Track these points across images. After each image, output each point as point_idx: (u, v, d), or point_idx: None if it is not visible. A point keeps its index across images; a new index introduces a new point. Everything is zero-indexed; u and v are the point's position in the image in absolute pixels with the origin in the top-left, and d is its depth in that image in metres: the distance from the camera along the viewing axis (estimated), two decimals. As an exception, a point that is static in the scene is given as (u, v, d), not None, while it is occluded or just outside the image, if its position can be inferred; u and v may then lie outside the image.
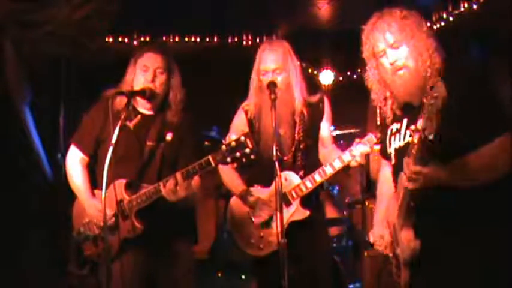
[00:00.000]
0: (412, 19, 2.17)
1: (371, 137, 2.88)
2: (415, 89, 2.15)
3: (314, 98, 3.20)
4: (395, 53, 2.16)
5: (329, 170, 2.99)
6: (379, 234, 2.36)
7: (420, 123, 1.94)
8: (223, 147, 2.57)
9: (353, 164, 2.96)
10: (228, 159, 2.57)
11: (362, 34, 2.26)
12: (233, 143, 2.56)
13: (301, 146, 3.12)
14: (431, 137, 1.90)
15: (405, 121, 2.24)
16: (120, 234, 2.78)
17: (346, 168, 3.00)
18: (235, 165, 2.73)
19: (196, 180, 2.81)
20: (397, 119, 2.30)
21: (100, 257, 2.88)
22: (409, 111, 2.21)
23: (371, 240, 2.42)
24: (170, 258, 2.95)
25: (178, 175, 2.69)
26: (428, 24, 2.31)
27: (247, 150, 2.53)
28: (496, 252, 2.06)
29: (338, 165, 2.97)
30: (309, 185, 3.03)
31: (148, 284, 2.91)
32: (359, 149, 2.91)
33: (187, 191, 2.71)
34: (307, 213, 3.04)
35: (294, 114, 3.12)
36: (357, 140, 2.95)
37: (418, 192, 2.07)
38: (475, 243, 2.07)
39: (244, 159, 2.55)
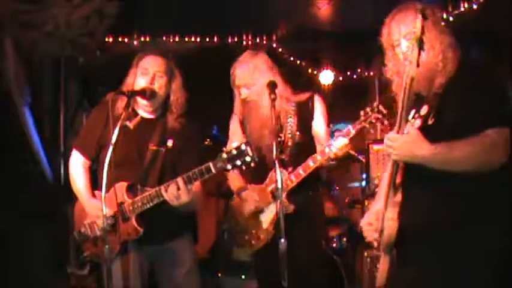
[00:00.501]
0: (428, 13, 2.20)
1: (349, 129, 2.95)
2: (423, 80, 2.19)
3: (302, 97, 3.27)
4: (408, 43, 2.21)
5: (311, 164, 3.08)
6: (367, 222, 2.39)
7: (424, 110, 2.04)
8: (224, 154, 2.59)
9: (331, 155, 3.02)
10: (229, 167, 2.60)
11: (383, 27, 2.34)
12: (234, 151, 2.58)
13: (289, 144, 3.19)
14: (430, 122, 1.98)
15: (412, 112, 2.27)
16: (121, 236, 2.79)
17: (331, 160, 3.09)
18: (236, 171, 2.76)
19: (197, 185, 2.82)
20: None
21: (100, 257, 2.88)
22: (417, 102, 2.25)
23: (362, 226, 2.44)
24: (171, 258, 2.95)
25: (180, 180, 2.70)
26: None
27: (248, 158, 2.57)
28: (484, 239, 2.06)
29: (319, 158, 3.06)
30: (294, 178, 3.11)
31: (149, 285, 2.92)
32: (338, 142, 2.99)
33: (189, 196, 2.72)
34: (291, 207, 3.10)
35: (278, 116, 3.15)
36: (336, 133, 3.03)
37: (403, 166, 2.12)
38: (463, 226, 2.08)
39: (244, 167, 2.59)
